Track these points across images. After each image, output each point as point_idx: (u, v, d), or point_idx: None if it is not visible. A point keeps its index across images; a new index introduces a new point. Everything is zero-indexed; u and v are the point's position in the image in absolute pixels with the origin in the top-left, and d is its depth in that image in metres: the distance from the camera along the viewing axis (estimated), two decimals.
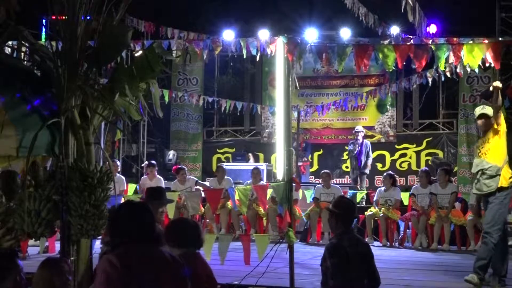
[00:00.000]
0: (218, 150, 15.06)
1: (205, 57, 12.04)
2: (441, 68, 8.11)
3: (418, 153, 13.89)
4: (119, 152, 14.10)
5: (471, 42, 8.61)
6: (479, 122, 6.19)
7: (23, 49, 4.13)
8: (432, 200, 9.48)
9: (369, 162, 12.17)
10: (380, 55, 7.11)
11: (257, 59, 12.26)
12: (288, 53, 7.14)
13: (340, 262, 4.01)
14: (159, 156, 14.64)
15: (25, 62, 4.11)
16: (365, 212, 10.10)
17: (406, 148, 14.03)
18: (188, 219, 3.94)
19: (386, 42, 11.61)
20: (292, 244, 5.25)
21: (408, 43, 10.31)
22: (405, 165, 13.93)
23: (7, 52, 4.19)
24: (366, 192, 11.41)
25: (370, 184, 13.15)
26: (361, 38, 12.88)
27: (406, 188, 11.15)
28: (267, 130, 14.85)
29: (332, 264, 4.04)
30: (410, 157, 13.95)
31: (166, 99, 12.92)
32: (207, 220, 10.12)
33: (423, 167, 12.00)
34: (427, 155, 13.71)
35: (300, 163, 12.00)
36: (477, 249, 9.04)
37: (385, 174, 10.62)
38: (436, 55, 7.09)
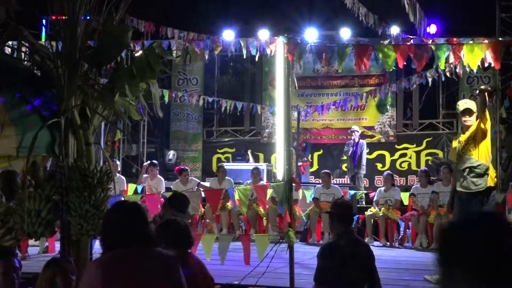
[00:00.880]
0: (218, 150, 15.05)
1: (205, 57, 12.04)
2: (441, 68, 8.11)
3: (418, 153, 13.89)
4: (119, 152, 14.09)
5: (471, 42, 8.60)
6: (465, 117, 6.03)
7: (23, 49, 4.14)
8: (433, 198, 9.47)
9: (363, 162, 12.14)
10: (380, 55, 7.10)
11: (257, 59, 12.25)
12: (288, 53, 7.13)
13: (333, 263, 3.98)
14: (159, 156, 14.63)
15: (25, 62, 4.11)
16: (365, 212, 10.10)
17: (406, 148, 14.03)
18: (177, 219, 3.92)
19: (386, 42, 11.60)
20: (292, 244, 5.26)
21: (408, 43, 10.30)
22: (405, 165, 13.92)
23: (7, 52, 4.19)
24: (365, 192, 11.40)
25: (370, 184, 13.16)
26: (361, 38, 12.86)
27: (406, 188, 11.14)
28: (267, 130, 14.84)
29: (323, 265, 4.03)
30: (410, 157, 13.94)
31: (166, 99, 12.91)
32: (207, 220, 10.12)
33: (423, 167, 11.99)
34: (427, 155, 13.70)
35: (300, 163, 12.00)
36: None
37: (385, 173, 10.63)
38: (436, 55, 7.08)
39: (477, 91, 6.12)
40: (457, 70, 9.03)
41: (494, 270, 1.54)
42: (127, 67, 3.97)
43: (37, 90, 3.74)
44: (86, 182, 3.64)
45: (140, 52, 4.16)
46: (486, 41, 7.70)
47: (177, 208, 4.84)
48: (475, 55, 6.73)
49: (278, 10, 13.89)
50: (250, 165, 12.05)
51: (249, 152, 13.48)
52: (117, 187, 8.99)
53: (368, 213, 9.97)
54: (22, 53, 4.18)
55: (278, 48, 11.14)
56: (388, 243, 9.63)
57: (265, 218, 10.01)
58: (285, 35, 8.29)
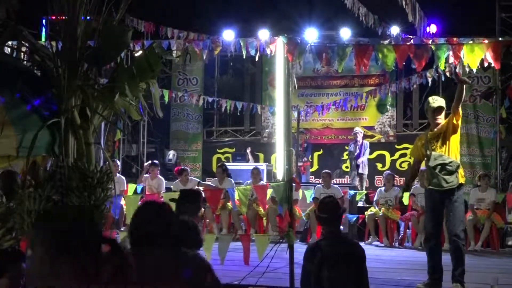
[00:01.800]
0: (218, 150, 15.06)
1: (205, 57, 12.04)
2: (441, 68, 8.11)
3: None
4: (119, 152, 14.09)
5: (471, 42, 8.61)
6: (437, 115, 5.92)
7: (23, 49, 4.13)
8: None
9: (365, 162, 12.18)
10: (380, 55, 7.11)
11: (257, 59, 12.26)
12: (288, 53, 7.14)
13: (313, 264, 3.89)
14: (159, 156, 14.64)
15: (25, 62, 4.11)
16: (365, 212, 10.10)
17: (406, 148, 13.99)
18: (187, 219, 3.91)
19: (386, 42, 11.61)
20: (292, 244, 5.26)
21: (408, 43, 10.30)
22: (405, 165, 13.91)
23: (7, 52, 4.19)
24: (366, 192, 11.41)
25: (370, 184, 13.15)
26: (361, 38, 12.87)
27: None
28: (267, 130, 14.84)
29: (305, 267, 3.96)
30: (410, 157, 13.92)
31: (166, 99, 12.92)
32: (207, 220, 10.12)
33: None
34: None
35: (300, 163, 12.00)
36: (477, 249, 9.08)
37: (385, 173, 10.63)
38: (436, 55, 7.09)
39: (456, 79, 6.02)
40: (457, 70, 9.02)
41: None
42: (127, 67, 3.96)
43: (37, 90, 3.73)
44: (86, 182, 3.63)
45: (140, 52, 4.15)
46: (486, 41, 7.71)
47: (187, 200, 4.74)
48: (475, 55, 6.74)
49: (278, 10, 13.90)
50: (250, 165, 12.05)
51: (248, 151, 13.46)
52: (117, 187, 9.02)
53: (368, 213, 9.98)
54: (22, 53, 4.17)
55: (278, 48, 11.14)
56: (388, 243, 9.63)
57: (265, 218, 10.02)
58: (285, 35, 8.30)
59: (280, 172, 11.61)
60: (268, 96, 14.67)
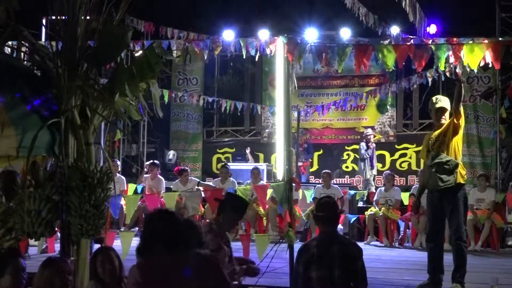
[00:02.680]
0: (218, 150, 15.05)
1: (205, 57, 12.04)
2: (441, 68, 8.10)
3: (418, 153, 13.85)
4: (119, 152, 14.09)
5: (471, 42, 8.60)
6: (441, 115, 5.90)
7: (23, 49, 4.13)
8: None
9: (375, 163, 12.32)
10: (380, 55, 7.10)
11: (257, 59, 12.26)
12: (288, 53, 7.13)
13: (301, 264, 3.89)
14: (159, 156, 14.62)
15: (25, 62, 4.11)
16: (365, 212, 10.10)
17: (406, 148, 14.03)
18: (191, 219, 3.90)
19: (386, 42, 11.60)
20: (292, 244, 5.26)
21: (408, 43, 10.30)
22: (405, 165, 13.92)
23: (7, 52, 4.19)
24: (367, 192, 11.41)
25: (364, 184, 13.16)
26: (361, 38, 12.87)
27: (406, 188, 11.14)
28: (267, 130, 14.84)
29: (295, 267, 3.96)
30: (410, 157, 13.94)
31: (166, 99, 12.91)
32: (207, 220, 10.11)
33: (423, 167, 12.00)
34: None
35: (300, 163, 12.00)
36: (477, 249, 9.08)
37: (385, 173, 10.63)
38: (436, 55, 7.08)
39: (455, 80, 6.02)
40: (457, 70, 9.02)
41: None
42: (127, 67, 3.96)
43: (37, 90, 3.74)
44: (86, 182, 3.63)
45: (140, 52, 4.15)
46: (486, 41, 7.70)
47: (234, 210, 4.60)
48: (475, 55, 6.72)
49: (278, 10, 13.91)
50: (250, 165, 12.05)
51: (247, 151, 13.46)
52: (117, 187, 9.01)
53: (368, 213, 9.98)
54: (22, 53, 4.17)
55: (278, 48, 11.13)
56: (388, 243, 9.63)
57: (265, 218, 10.02)
58: (285, 35, 8.28)
59: (280, 172, 11.60)
60: (268, 96, 14.67)
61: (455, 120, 5.78)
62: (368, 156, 12.18)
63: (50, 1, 3.83)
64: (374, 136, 12.83)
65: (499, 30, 12.39)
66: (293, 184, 5.69)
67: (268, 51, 11.38)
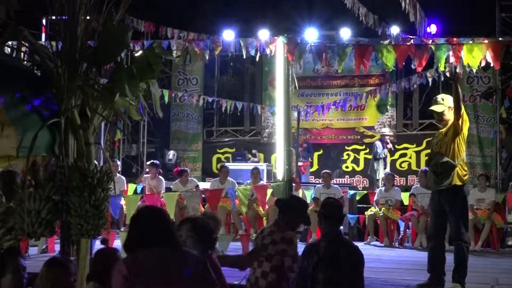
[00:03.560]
0: (218, 150, 15.05)
1: (205, 57, 12.04)
2: (441, 69, 8.11)
3: (418, 153, 13.88)
4: (119, 152, 14.09)
5: (471, 42, 8.60)
6: (438, 117, 5.94)
7: (23, 49, 4.13)
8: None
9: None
10: (380, 55, 7.10)
11: (257, 59, 12.26)
12: (288, 53, 7.14)
13: (309, 264, 3.87)
14: (159, 156, 14.62)
15: (25, 62, 4.11)
16: (366, 212, 10.10)
17: (406, 148, 14.02)
18: (200, 218, 3.87)
19: (386, 42, 11.61)
20: None
21: (408, 43, 10.30)
22: (405, 165, 13.92)
23: (7, 52, 4.19)
24: (366, 192, 11.41)
25: (370, 184, 13.15)
26: (361, 38, 12.87)
27: (406, 188, 11.14)
28: (267, 130, 14.84)
29: (301, 266, 3.95)
30: (410, 157, 13.94)
31: (166, 99, 12.91)
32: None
33: (423, 167, 12.00)
34: (427, 155, 13.66)
35: (300, 163, 12.00)
36: (477, 249, 9.08)
37: (385, 173, 10.61)
38: (436, 55, 7.09)
39: (449, 80, 6.01)
40: (457, 70, 9.03)
41: None
42: (127, 67, 3.96)
43: (37, 90, 3.74)
44: (86, 182, 3.63)
45: (140, 52, 4.15)
46: (486, 41, 7.70)
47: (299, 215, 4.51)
48: (475, 55, 6.73)
49: (278, 10, 13.89)
50: (250, 164, 12.05)
51: (249, 155, 13.51)
52: (117, 187, 9.02)
53: (368, 213, 9.98)
54: (22, 53, 4.17)
55: (278, 48, 11.11)
56: (388, 243, 9.63)
57: (265, 218, 10.01)
58: (285, 35, 8.28)
59: (280, 172, 11.59)
60: (268, 96, 14.67)
61: (455, 120, 5.76)
62: (384, 155, 12.17)
63: (50, 1, 3.83)
64: (391, 137, 12.74)
65: (499, 30, 12.39)
66: (293, 184, 5.69)
67: (268, 51, 11.37)
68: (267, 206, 9.27)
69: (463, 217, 5.92)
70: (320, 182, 10.93)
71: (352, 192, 10.86)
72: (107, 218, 3.90)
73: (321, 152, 14.37)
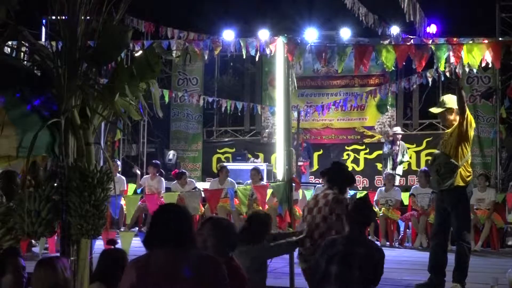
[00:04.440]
0: (218, 150, 15.05)
1: (205, 57, 12.04)
2: (441, 69, 8.11)
3: (418, 153, 13.87)
4: (119, 152, 14.09)
5: (471, 42, 8.61)
6: (442, 118, 6.18)
7: (23, 49, 4.13)
8: (433, 198, 9.45)
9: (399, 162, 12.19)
10: (380, 55, 7.10)
11: (257, 59, 12.26)
12: (288, 53, 7.13)
13: (323, 258, 3.97)
14: (159, 156, 14.62)
15: (25, 62, 4.11)
16: None
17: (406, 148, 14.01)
18: (222, 218, 3.86)
19: (386, 42, 11.61)
20: None
21: (408, 43, 10.30)
22: (405, 165, 13.87)
23: (7, 52, 4.19)
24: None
25: (370, 184, 13.15)
26: (361, 38, 12.87)
27: (406, 188, 11.13)
28: (267, 130, 14.84)
29: (318, 257, 4.05)
30: (410, 157, 13.93)
31: (166, 99, 12.91)
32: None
33: (423, 167, 12.00)
34: (427, 155, 13.67)
35: (300, 163, 12.00)
36: (477, 249, 9.07)
37: (385, 173, 10.61)
38: (436, 55, 7.08)
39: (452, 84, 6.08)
40: (457, 70, 9.03)
41: None
42: (127, 67, 3.96)
43: (37, 90, 3.73)
44: (86, 182, 3.63)
45: (140, 52, 4.15)
46: (486, 41, 7.70)
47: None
48: (475, 55, 6.73)
49: (278, 10, 13.89)
50: (250, 164, 12.05)
51: (254, 159, 13.55)
52: (117, 187, 9.02)
53: None
54: (22, 53, 4.17)
55: (278, 48, 11.13)
56: (388, 243, 9.63)
57: None
58: (285, 35, 8.29)
59: (280, 172, 11.59)
60: (268, 96, 14.67)
61: (459, 122, 5.82)
62: (393, 154, 12.12)
63: (50, 1, 3.82)
64: (401, 136, 12.65)
65: (499, 30, 12.39)
66: (293, 184, 5.69)
67: (268, 51, 11.39)
68: (267, 206, 9.26)
69: (465, 218, 5.93)
70: (320, 182, 10.92)
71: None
72: (107, 218, 3.90)
73: (321, 152, 14.36)
